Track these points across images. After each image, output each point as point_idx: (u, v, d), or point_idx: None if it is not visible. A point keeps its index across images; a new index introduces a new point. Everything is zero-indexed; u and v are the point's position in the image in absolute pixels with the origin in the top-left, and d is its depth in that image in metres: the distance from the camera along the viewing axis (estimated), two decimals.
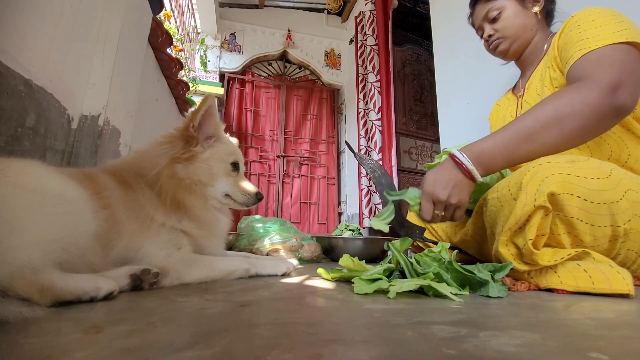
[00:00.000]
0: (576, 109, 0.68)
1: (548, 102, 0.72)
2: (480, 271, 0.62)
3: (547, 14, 1.03)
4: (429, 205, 0.76)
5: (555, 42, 0.91)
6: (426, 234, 1.09)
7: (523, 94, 1.04)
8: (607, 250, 0.67)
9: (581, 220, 0.64)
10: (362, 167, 1.04)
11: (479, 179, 0.73)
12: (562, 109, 0.69)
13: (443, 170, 0.75)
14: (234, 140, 0.96)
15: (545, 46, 0.99)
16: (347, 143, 1.15)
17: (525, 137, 0.71)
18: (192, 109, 0.81)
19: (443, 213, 0.76)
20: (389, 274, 0.69)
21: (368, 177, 3.16)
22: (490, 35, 1.05)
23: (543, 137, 0.70)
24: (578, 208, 0.63)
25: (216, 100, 0.82)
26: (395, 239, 0.77)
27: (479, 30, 1.10)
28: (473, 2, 1.10)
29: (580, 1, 1.49)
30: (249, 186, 0.86)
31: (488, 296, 0.58)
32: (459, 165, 0.73)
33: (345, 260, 0.72)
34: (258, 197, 0.86)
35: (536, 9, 1.00)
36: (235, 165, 0.85)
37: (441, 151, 1.00)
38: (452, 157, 0.75)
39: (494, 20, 1.03)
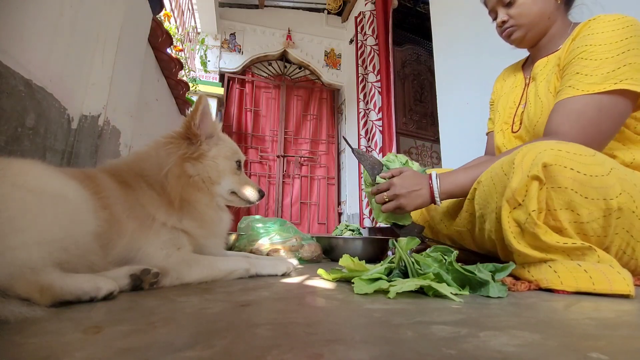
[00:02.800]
0: None
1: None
2: (481, 271, 0.62)
3: (567, 1, 0.96)
4: (386, 186, 0.90)
5: (568, 43, 0.87)
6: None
7: (528, 84, 1.02)
8: (603, 227, 0.67)
9: (576, 192, 0.65)
10: (360, 164, 1.05)
11: (439, 204, 0.88)
12: None
13: (418, 179, 0.88)
14: None
15: (564, 39, 0.92)
16: (344, 138, 1.14)
17: None
18: (191, 109, 0.83)
19: (386, 199, 0.89)
20: (389, 273, 0.69)
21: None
22: (504, 22, 0.97)
23: None
24: (572, 179, 0.65)
25: (208, 100, 0.85)
26: (395, 239, 0.78)
27: (492, 12, 1.01)
28: None
29: None
30: (252, 185, 0.90)
31: (488, 296, 0.58)
32: (430, 187, 0.87)
33: (345, 261, 0.71)
34: (261, 194, 0.91)
35: None
36: (239, 164, 0.89)
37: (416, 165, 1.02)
38: (429, 177, 0.88)
39: (509, 5, 0.94)
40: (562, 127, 0.78)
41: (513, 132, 1.03)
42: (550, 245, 0.65)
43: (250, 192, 0.89)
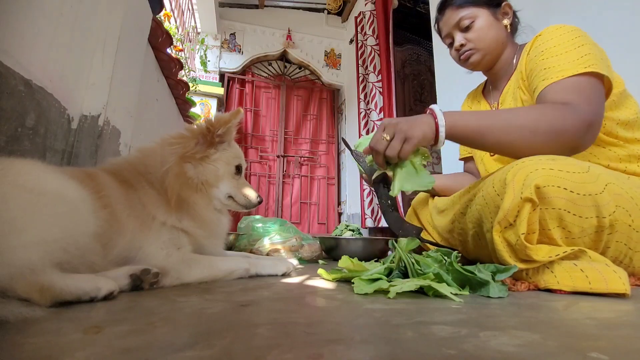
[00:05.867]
0: (553, 127, 0.72)
1: (534, 110, 0.76)
2: (481, 271, 0.62)
3: (514, 28, 1.02)
4: (380, 132, 0.77)
5: (523, 59, 0.92)
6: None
7: (497, 108, 1.05)
8: (594, 241, 0.68)
9: (569, 212, 0.65)
10: (359, 165, 1.03)
11: (442, 135, 0.75)
12: (543, 121, 0.73)
13: (414, 117, 0.78)
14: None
15: (515, 59, 0.98)
16: (343, 140, 1.15)
17: (500, 127, 0.75)
18: (218, 113, 0.84)
19: (387, 137, 0.75)
20: (389, 273, 0.69)
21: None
22: (462, 45, 1.00)
23: (514, 135, 0.74)
24: (565, 199, 0.64)
25: (242, 115, 0.87)
26: (395, 239, 0.77)
27: (447, 38, 1.04)
28: (441, 7, 1.04)
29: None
30: (250, 191, 0.89)
31: (489, 296, 0.58)
32: (433, 116, 0.76)
33: (344, 262, 0.71)
34: (258, 200, 0.90)
35: (506, 22, 0.98)
36: (238, 169, 0.88)
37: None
38: (430, 110, 0.78)
39: (466, 29, 0.98)
40: (567, 97, 0.75)
41: (491, 155, 1.05)
42: (543, 261, 0.65)
43: (247, 199, 0.88)
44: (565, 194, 0.64)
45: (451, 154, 2.09)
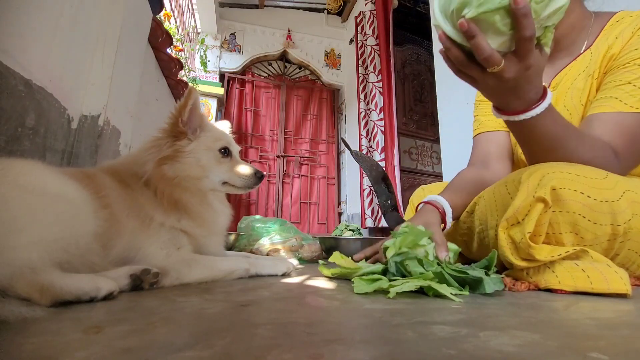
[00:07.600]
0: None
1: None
2: (474, 269, 0.62)
3: None
4: None
5: (608, 36, 0.79)
6: None
7: (549, 87, 0.90)
8: (606, 249, 0.67)
9: (584, 217, 0.64)
10: (359, 165, 1.02)
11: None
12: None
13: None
14: (225, 124, 0.95)
15: (589, 30, 0.83)
16: (343, 140, 1.15)
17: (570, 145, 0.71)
18: (177, 104, 0.77)
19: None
20: (384, 272, 0.68)
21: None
22: None
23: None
24: (582, 204, 0.63)
25: (197, 93, 0.79)
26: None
27: None
28: None
29: None
30: (245, 168, 0.83)
31: (487, 293, 0.58)
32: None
33: (335, 258, 0.72)
34: (257, 175, 0.82)
35: None
36: (225, 151, 0.81)
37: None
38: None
39: None
40: (613, 142, 0.71)
41: None
42: (545, 261, 0.65)
43: (243, 179, 0.81)
44: (582, 198, 0.63)
45: (451, 153, 2.09)
